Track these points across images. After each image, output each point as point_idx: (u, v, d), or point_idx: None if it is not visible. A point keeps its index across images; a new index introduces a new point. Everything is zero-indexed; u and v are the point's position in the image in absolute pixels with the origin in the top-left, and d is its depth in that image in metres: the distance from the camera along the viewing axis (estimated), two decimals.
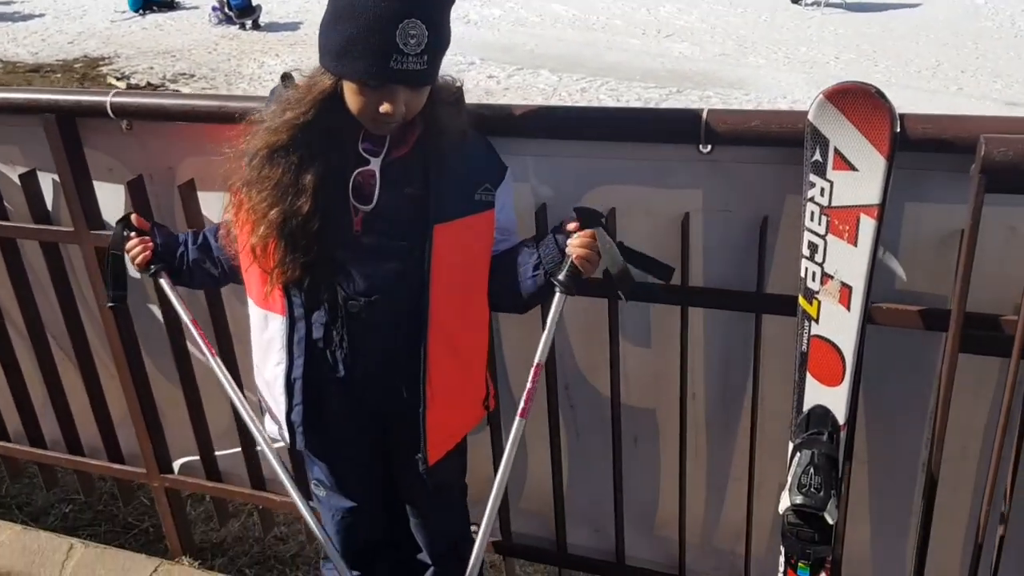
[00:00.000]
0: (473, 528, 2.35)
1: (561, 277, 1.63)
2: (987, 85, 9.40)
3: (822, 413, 1.64)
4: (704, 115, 1.67)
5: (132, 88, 9.33)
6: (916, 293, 1.71)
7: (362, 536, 1.96)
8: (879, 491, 1.95)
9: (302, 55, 10.96)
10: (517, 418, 1.71)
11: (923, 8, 13.28)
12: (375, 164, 1.60)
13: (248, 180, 1.61)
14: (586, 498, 2.23)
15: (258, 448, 2.43)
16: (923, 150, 1.56)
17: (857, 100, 1.50)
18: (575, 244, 1.61)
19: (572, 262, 1.61)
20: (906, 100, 8.09)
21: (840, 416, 1.64)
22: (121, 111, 2.07)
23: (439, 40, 1.48)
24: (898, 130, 1.52)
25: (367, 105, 1.52)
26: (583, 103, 8.74)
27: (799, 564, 1.67)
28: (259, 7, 13.01)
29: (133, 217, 1.95)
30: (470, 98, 1.71)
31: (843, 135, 1.53)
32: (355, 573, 1.97)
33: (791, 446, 1.67)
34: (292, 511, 2.44)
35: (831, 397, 1.64)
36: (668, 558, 2.20)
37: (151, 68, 10.67)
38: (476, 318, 1.76)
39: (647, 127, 1.73)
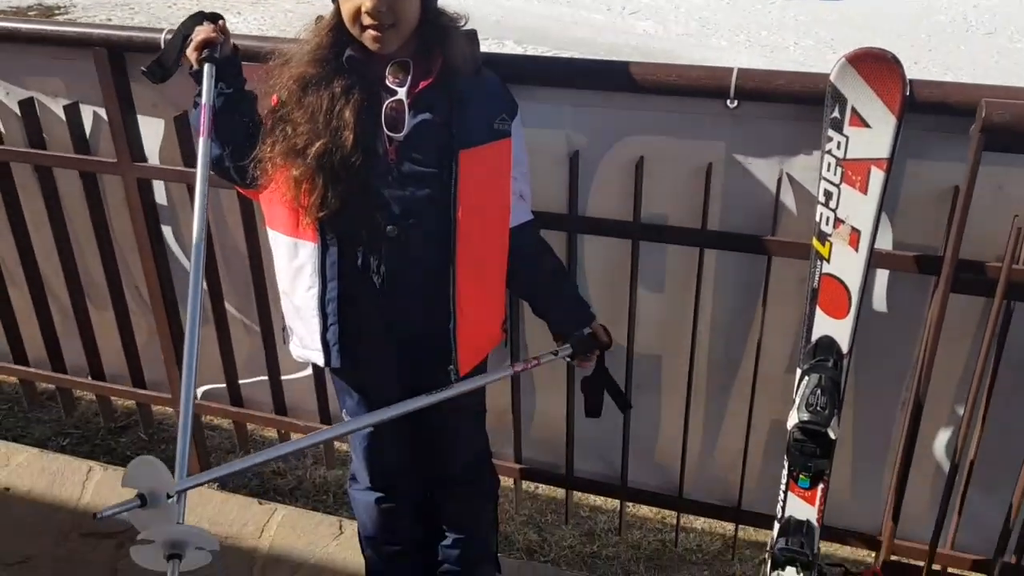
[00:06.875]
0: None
1: (573, 356, 1.97)
2: (935, 78, 9.75)
3: (828, 343, 1.85)
4: (735, 73, 1.85)
5: None
6: (908, 244, 1.93)
7: (389, 460, 2.08)
8: (862, 423, 2.17)
9: (264, 13, 10.85)
10: None
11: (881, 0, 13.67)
12: (402, 94, 1.70)
13: (282, 116, 1.70)
14: (593, 432, 2.41)
15: (283, 378, 2.56)
16: (928, 112, 1.77)
17: (875, 64, 1.70)
18: (586, 363, 2.00)
19: (576, 359, 1.99)
20: None
21: (844, 345, 1.85)
22: None
23: None
24: (908, 93, 1.72)
25: (352, 11, 1.63)
26: None
27: (800, 476, 1.89)
28: None
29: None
30: None
31: (860, 95, 1.73)
32: (380, 495, 2.11)
33: (799, 372, 1.88)
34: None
35: (837, 328, 1.85)
36: (668, 484, 2.40)
37: (108, 20, 10.48)
38: (497, 240, 1.88)
39: (682, 81, 1.90)
